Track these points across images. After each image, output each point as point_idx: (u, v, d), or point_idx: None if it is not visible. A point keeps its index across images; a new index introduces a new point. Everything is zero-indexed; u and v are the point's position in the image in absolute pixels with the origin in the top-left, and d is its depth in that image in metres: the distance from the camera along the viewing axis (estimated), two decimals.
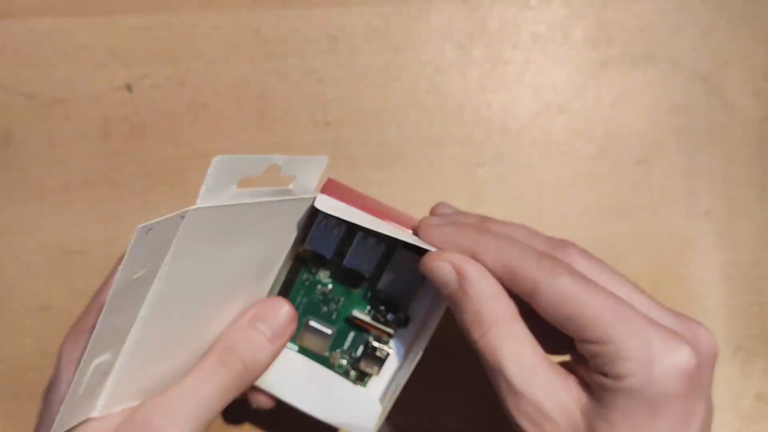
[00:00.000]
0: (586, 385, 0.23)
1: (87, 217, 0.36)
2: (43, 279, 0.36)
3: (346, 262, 0.28)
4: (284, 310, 0.27)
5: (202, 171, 0.37)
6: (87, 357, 0.21)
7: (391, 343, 0.29)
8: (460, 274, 0.24)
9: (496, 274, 0.24)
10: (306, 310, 0.29)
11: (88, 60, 0.37)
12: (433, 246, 0.26)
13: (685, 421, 0.22)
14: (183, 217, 0.21)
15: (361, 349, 0.30)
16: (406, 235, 0.26)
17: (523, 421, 0.23)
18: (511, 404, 0.23)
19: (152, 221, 0.20)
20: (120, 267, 0.20)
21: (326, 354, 0.30)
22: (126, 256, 0.20)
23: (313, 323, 0.29)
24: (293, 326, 0.27)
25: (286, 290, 0.29)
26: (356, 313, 0.29)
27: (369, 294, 0.29)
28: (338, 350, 0.30)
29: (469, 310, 0.24)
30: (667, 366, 0.21)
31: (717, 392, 0.36)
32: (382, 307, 0.29)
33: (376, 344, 0.29)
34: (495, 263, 0.24)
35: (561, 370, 0.24)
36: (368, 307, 0.29)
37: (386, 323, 0.29)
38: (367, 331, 0.29)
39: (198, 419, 0.24)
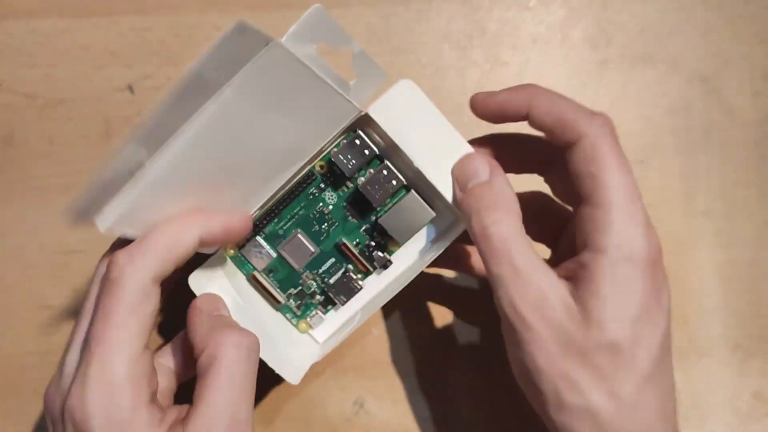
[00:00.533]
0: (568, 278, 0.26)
1: None
2: (44, 278, 0.36)
3: (361, 186, 0.30)
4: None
5: None
6: (129, 138, 0.22)
7: (365, 281, 0.31)
8: (492, 166, 0.28)
9: (546, 124, 0.27)
10: (298, 223, 0.31)
11: (90, 60, 0.37)
12: (494, 105, 0.29)
13: (659, 285, 0.26)
14: (267, 45, 0.22)
15: (337, 276, 0.31)
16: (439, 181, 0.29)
17: (525, 308, 0.25)
18: (515, 292, 0.25)
19: (250, 23, 0.21)
20: (201, 54, 0.21)
21: (300, 270, 0.31)
22: (212, 46, 0.21)
23: (300, 236, 0.31)
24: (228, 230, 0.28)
25: (288, 197, 0.30)
26: (345, 241, 0.31)
27: (363, 227, 0.31)
28: (314, 271, 0.31)
29: (489, 197, 0.27)
30: (643, 248, 0.25)
31: (715, 391, 0.37)
32: (372, 243, 0.31)
33: (353, 275, 0.31)
34: (549, 113, 0.27)
35: (553, 272, 0.26)
36: (357, 240, 0.31)
37: (370, 259, 0.31)
38: (349, 261, 0.31)
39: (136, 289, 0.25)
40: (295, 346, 0.31)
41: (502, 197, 0.27)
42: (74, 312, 0.37)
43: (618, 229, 0.25)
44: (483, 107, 0.29)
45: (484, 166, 0.28)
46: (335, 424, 0.35)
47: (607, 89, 0.38)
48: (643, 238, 0.25)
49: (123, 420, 0.24)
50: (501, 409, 0.35)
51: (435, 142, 0.29)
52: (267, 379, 0.35)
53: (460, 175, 0.28)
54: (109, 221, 0.24)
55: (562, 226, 0.31)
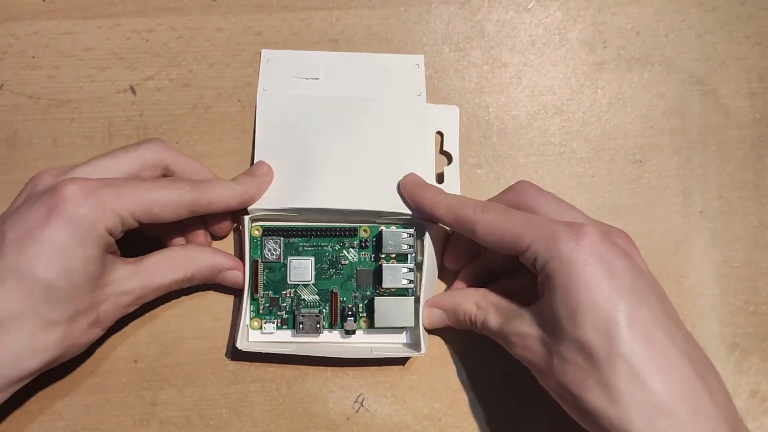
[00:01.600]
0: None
1: None
2: None
3: (384, 267, 0.35)
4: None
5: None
6: None
7: (326, 331, 0.36)
8: (440, 306, 0.35)
9: (448, 222, 0.32)
10: (317, 254, 0.35)
11: (93, 62, 0.37)
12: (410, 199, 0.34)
13: (608, 276, 0.27)
14: (419, 95, 0.37)
15: (310, 310, 0.35)
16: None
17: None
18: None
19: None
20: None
21: (289, 284, 0.35)
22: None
23: (310, 264, 0.35)
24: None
25: (326, 231, 0.35)
26: (337, 292, 0.35)
27: (358, 294, 0.35)
28: (297, 294, 0.35)
29: (461, 317, 0.34)
30: (569, 242, 0.27)
31: None
32: (354, 309, 0.35)
33: (322, 320, 0.35)
34: (446, 213, 0.32)
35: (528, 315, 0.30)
36: (345, 299, 0.35)
37: (343, 318, 0.35)
38: (327, 307, 0.35)
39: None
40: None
41: (460, 310, 0.33)
42: None
43: (540, 250, 0.28)
44: (409, 186, 0.35)
45: (436, 313, 0.34)
46: (336, 422, 0.35)
47: (604, 91, 0.39)
48: (564, 239, 0.28)
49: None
50: (501, 405, 0.36)
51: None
52: (267, 379, 0.36)
53: (436, 326, 0.35)
54: None
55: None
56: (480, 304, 0.32)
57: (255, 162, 0.35)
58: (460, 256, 0.35)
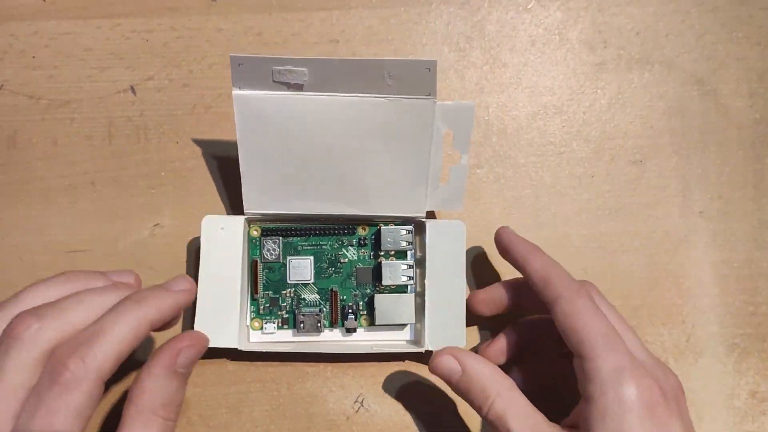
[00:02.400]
0: None
1: (91, 217, 0.36)
2: None
3: (383, 265, 0.35)
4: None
5: (205, 171, 0.38)
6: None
7: (327, 330, 0.35)
8: (461, 362, 0.30)
9: (535, 278, 0.31)
10: (316, 252, 0.35)
11: (93, 62, 0.38)
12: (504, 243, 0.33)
13: (661, 425, 0.26)
14: (429, 96, 0.33)
15: (310, 310, 0.35)
16: None
17: None
18: None
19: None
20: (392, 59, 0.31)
21: (289, 284, 0.35)
22: (404, 60, 0.31)
23: (309, 263, 0.35)
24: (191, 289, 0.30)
25: (325, 230, 0.35)
26: (337, 290, 0.35)
27: (357, 292, 0.35)
28: (297, 294, 0.35)
29: (475, 389, 0.29)
30: (632, 391, 0.26)
31: (712, 390, 0.37)
32: (354, 307, 0.35)
33: (323, 319, 0.35)
34: (539, 270, 0.31)
35: (558, 427, 0.28)
36: (345, 297, 0.35)
37: (344, 317, 0.35)
38: (328, 306, 0.35)
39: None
40: (223, 325, 0.33)
41: (485, 381, 0.29)
42: None
43: (602, 377, 0.27)
44: (501, 240, 0.33)
45: (452, 363, 0.30)
46: (336, 422, 0.35)
47: (604, 91, 0.39)
48: (631, 382, 0.26)
49: None
50: None
51: (447, 286, 0.34)
52: (267, 379, 0.36)
53: (440, 374, 0.31)
54: None
55: None
56: (502, 394, 0.29)
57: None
58: (494, 305, 0.34)
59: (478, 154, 0.38)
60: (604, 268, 0.37)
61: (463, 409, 0.36)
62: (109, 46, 0.38)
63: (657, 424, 0.26)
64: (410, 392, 0.36)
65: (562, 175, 0.38)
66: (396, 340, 0.35)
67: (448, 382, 0.30)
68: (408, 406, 0.36)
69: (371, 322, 0.35)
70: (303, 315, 0.34)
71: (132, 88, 0.38)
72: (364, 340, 0.35)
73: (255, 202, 0.34)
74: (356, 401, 0.35)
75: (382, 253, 0.35)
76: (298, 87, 0.32)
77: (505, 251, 0.33)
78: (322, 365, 0.35)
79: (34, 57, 0.37)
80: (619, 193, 0.38)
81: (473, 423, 0.35)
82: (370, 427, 0.35)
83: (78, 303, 0.26)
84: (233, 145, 0.37)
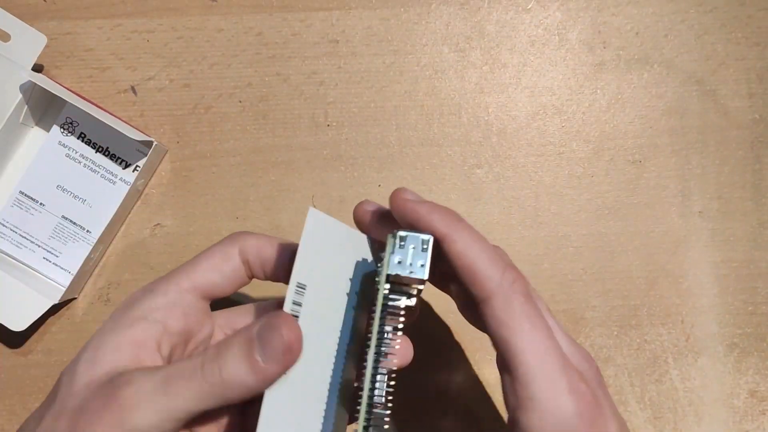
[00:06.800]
0: None
1: None
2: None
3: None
4: (284, 335, 0.23)
5: (205, 172, 0.38)
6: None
7: None
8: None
9: (458, 264, 0.24)
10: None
11: (94, 62, 0.38)
12: (407, 219, 0.25)
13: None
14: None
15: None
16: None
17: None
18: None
19: None
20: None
21: None
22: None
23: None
24: (290, 356, 0.23)
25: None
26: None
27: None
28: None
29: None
30: (570, 409, 0.23)
31: (711, 390, 0.37)
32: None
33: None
34: (462, 253, 0.24)
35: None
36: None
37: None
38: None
39: (164, 411, 0.22)
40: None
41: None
42: (77, 310, 0.37)
43: (541, 406, 0.23)
44: (399, 208, 0.25)
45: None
46: None
47: (603, 91, 0.39)
48: (570, 403, 0.23)
49: None
50: (498, 405, 0.36)
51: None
52: None
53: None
54: None
55: None
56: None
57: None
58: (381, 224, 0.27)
59: (477, 154, 0.38)
60: (603, 268, 0.37)
61: (465, 408, 0.36)
62: (110, 47, 0.38)
63: (596, 425, 0.23)
64: (410, 392, 0.36)
65: (562, 175, 0.38)
66: None
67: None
68: (408, 407, 0.36)
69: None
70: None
71: (133, 88, 0.38)
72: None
73: None
74: None
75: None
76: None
77: (409, 222, 0.25)
78: None
79: None
80: (619, 193, 0.38)
81: (474, 422, 0.35)
82: None
83: None
84: (233, 145, 0.37)
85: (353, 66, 0.38)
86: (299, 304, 0.24)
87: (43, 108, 0.37)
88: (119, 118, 0.37)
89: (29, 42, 0.35)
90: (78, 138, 0.36)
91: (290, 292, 0.24)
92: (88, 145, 0.36)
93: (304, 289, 0.24)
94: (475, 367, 0.37)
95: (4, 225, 0.36)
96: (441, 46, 0.39)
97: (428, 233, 0.24)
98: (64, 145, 0.36)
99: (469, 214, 0.37)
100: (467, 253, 0.24)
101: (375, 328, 0.24)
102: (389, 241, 0.24)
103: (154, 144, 0.35)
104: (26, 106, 0.36)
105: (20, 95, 0.35)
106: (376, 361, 0.23)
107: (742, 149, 0.39)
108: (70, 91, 0.36)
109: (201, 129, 0.37)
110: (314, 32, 0.38)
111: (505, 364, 0.24)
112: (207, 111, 0.37)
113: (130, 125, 0.37)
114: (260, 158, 0.37)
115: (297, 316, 0.23)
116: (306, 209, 0.37)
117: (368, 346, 0.24)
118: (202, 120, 0.37)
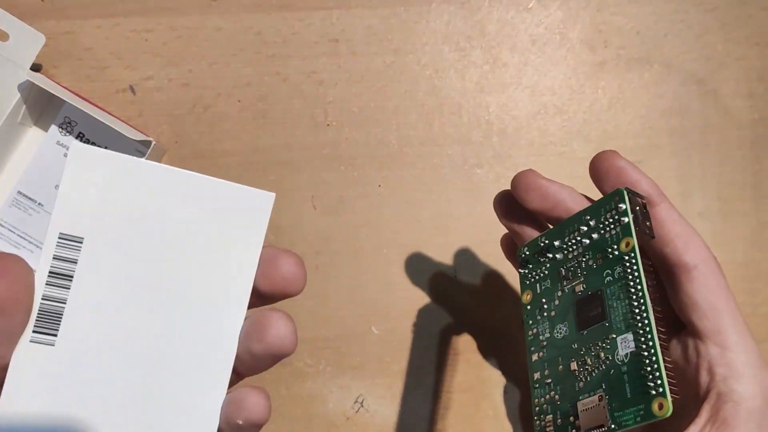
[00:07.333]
0: None
1: None
2: None
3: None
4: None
5: (205, 172, 0.38)
6: None
7: None
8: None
9: (670, 228, 0.27)
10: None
11: (92, 62, 0.37)
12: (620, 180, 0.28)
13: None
14: None
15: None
16: None
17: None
18: None
19: None
20: None
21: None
22: None
23: None
24: None
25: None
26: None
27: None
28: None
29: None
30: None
31: None
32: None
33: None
34: (678, 220, 0.27)
35: None
36: None
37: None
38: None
39: None
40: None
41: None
42: None
43: (756, 374, 0.24)
44: (611, 168, 0.29)
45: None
46: (336, 422, 0.35)
47: (604, 90, 0.39)
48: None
49: None
50: (498, 408, 0.36)
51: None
52: (267, 379, 0.36)
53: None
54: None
55: None
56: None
57: None
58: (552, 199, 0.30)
59: (478, 154, 0.38)
60: None
61: (464, 411, 0.36)
62: (109, 46, 0.37)
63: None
64: (410, 393, 0.36)
65: (563, 175, 0.38)
66: None
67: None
68: (408, 407, 0.35)
69: None
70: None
71: (131, 88, 0.37)
72: None
73: None
74: (356, 402, 0.35)
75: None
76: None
77: (620, 184, 0.27)
78: (321, 366, 0.35)
79: None
80: None
81: (473, 423, 0.35)
82: (370, 428, 0.35)
83: None
84: (232, 145, 0.37)
85: (353, 65, 0.38)
86: (72, 261, 0.21)
87: (42, 107, 0.37)
88: (118, 118, 0.37)
89: (27, 41, 0.35)
90: (76, 138, 0.36)
91: (49, 246, 0.20)
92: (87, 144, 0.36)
93: (79, 242, 0.21)
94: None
95: (2, 225, 0.36)
96: (441, 46, 0.38)
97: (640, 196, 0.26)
98: (62, 144, 0.36)
99: (469, 214, 0.37)
100: (681, 220, 0.27)
101: (644, 292, 0.24)
102: (625, 197, 0.26)
103: (152, 144, 0.35)
104: (24, 106, 0.36)
105: (18, 95, 0.35)
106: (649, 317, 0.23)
107: (743, 149, 0.38)
108: (69, 90, 0.36)
109: (200, 129, 0.37)
110: (314, 31, 0.38)
111: (708, 333, 0.25)
112: (206, 110, 0.37)
113: (129, 125, 0.37)
114: (259, 158, 0.37)
115: (69, 275, 0.20)
116: (306, 209, 0.37)
117: (641, 309, 0.24)
118: (201, 119, 0.37)
